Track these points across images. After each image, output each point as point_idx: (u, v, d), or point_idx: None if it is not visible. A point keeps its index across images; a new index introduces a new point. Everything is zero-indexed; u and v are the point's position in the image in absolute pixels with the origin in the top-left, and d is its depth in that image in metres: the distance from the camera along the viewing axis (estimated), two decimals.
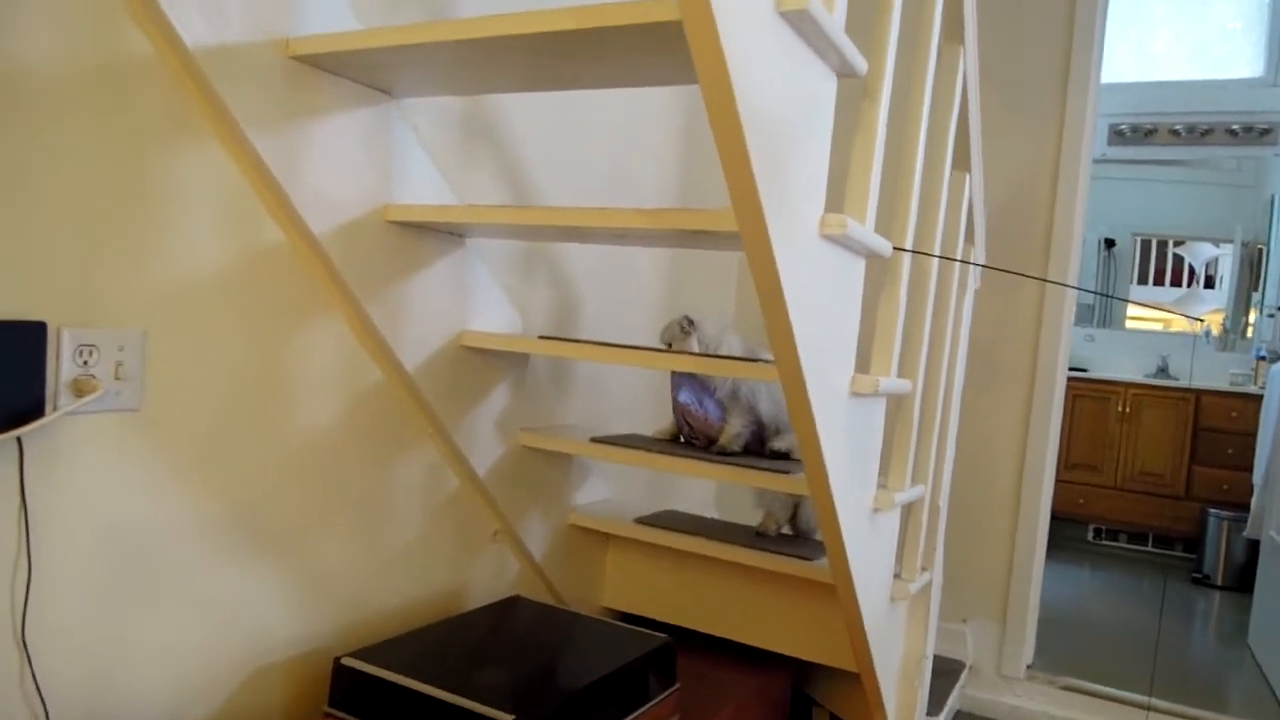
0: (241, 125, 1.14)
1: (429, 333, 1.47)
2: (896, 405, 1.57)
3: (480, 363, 1.59)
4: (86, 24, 1.01)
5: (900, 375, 1.49)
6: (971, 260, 1.92)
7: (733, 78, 0.78)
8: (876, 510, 1.42)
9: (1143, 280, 5.44)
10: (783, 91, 0.89)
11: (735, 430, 1.69)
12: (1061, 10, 2.39)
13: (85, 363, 1.03)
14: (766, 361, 1.53)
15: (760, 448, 1.74)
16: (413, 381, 1.45)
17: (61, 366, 1.01)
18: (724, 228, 1.12)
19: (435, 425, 1.53)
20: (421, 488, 1.55)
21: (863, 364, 1.28)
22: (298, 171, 1.22)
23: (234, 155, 1.18)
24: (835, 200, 1.07)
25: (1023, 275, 2.38)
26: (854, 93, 1.16)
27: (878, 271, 1.34)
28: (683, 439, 1.84)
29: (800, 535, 1.82)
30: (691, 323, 1.73)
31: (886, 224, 1.35)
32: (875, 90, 1.14)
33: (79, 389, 1.02)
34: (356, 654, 1.28)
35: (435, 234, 1.47)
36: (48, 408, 1.00)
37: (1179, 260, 5.42)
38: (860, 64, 1.02)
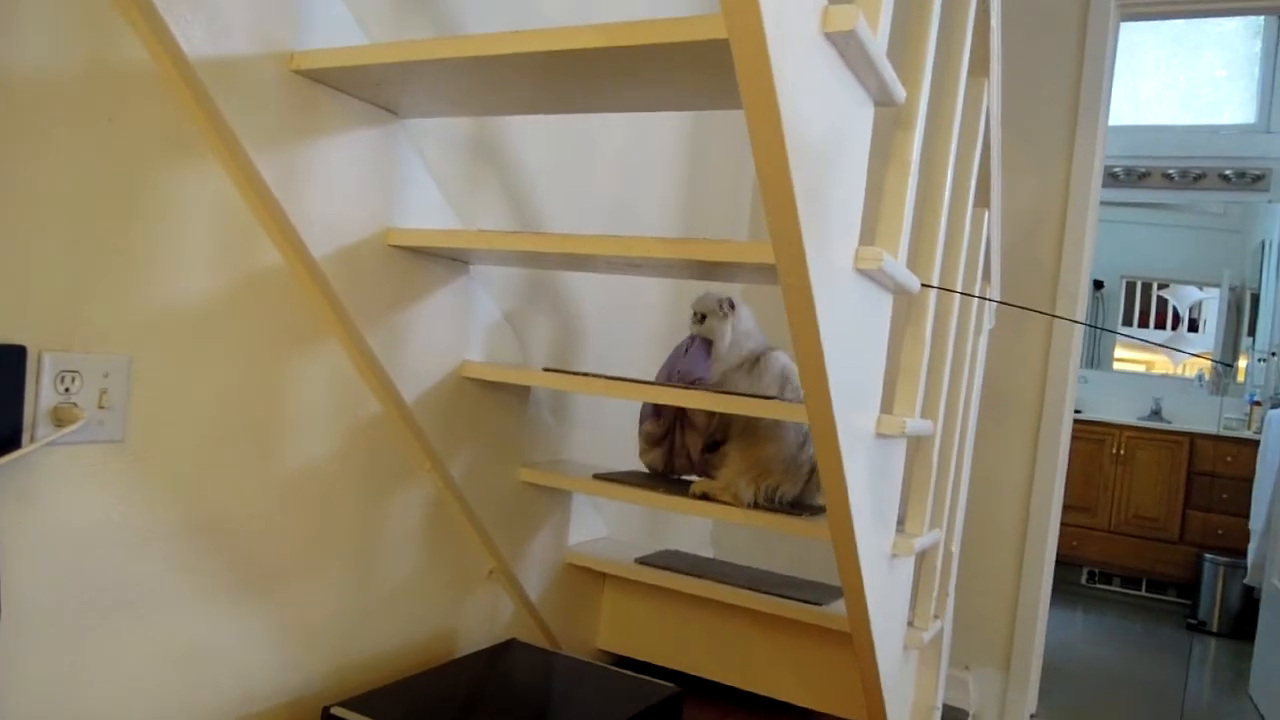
0: (241, 141, 1.08)
1: (429, 363, 1.41)
2: (915, 447, 1.52)
3: (481, 394, 1.52)
4: (79, 31, 0.95)
5: (921, 416, 1.44)
6: (991, 298, 1.87)
7: (780, 103, 0.73)
8: (895, 556, 1.36)
9: (1128, 321, 5.46)
10: (825, 118, 0.84)
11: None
12: (1070, 55, 2.38)
13: (67, 390, 0.95)
14: (782, 400, 1.48)
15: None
16: (411, 413, 1.38)
17: (41, 394, 0.94)
18: (753, 259, 1.07)
19: (432, 459, 1.46)
20: (416, 525, 1.47)
21: (884, 404, 1.23)
22: (298, 191, 1.16)
23: (231, 172, 1.12)
24: (862, 233, 1.02)
25: (1049, 314, 2.34)
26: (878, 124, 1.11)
27: (896, 309, 1.29)
28: (669, 455, 1.74)
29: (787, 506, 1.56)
30: (733, 306, 1.61)
31: (910, 260, 1.30)
32: (909, 120, 1.09)
33: (59, 418, 0.95)
34: (346, 704, 1.20)
35: (438, 260, 1.41)
36: (25, 438, 0.92)
37: (1163, 303, 5.44)
38: (899, 91, 0.97)
